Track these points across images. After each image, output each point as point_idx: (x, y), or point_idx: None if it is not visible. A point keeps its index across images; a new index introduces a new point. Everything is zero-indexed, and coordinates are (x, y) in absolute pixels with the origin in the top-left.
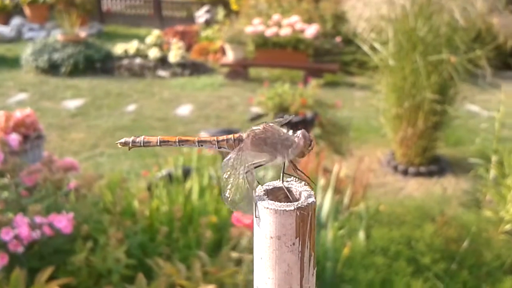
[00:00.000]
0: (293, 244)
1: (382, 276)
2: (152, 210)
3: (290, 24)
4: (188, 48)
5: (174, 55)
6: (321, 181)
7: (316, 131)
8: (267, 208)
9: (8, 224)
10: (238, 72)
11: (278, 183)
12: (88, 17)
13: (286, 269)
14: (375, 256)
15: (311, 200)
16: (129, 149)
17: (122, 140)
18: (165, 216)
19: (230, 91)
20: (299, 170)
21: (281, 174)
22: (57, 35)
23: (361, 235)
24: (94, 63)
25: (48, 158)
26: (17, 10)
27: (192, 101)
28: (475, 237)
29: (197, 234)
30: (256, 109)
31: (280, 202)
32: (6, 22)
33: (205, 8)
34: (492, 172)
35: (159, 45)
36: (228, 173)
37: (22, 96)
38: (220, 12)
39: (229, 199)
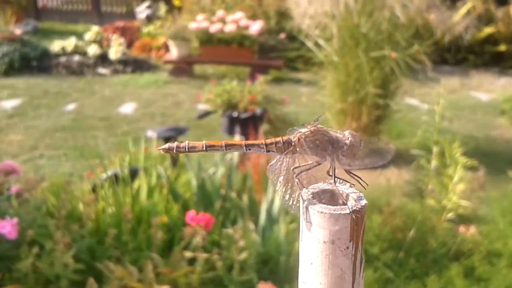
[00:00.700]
0: (347, 248)
1: None
2: (98, 213)
3: (235, 21)
4: (129, 44)
5: (114, 52)
6: None
7: (265, 127)
8: (321, 212)
9: None
10: (183, 69)
11: (322, 185)
12: (23, 13)
13: (339, 274)
14: None
15: (364, 202)
16: (171, 155)
17: (166, 146)
18: (113, 218)
19: (175, 88)
20: (351, 172)
21: (333, 177)
22: None
23: None
24: (31, 62)
25: None
26: None
27: (135, 99)
28: (420, 225)
29: (147, 235)
30: (203, 106)
31: (324, 203)
32: None
33: (146, 3)
34: (434, 163)
35: (99, 41)
36: (281, 177)
37: None
38: (162, 8)
39: (291, 204)
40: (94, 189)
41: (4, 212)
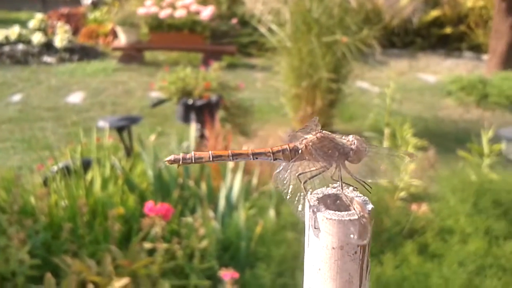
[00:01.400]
0: (355, 252)
1: (293, 250)
2: (51, 206)
3: (185, 6)
4: (75, 31)
5: (60, 40)
6: (230, 164)
7: (221, 114)
8: (330, 218)
9: None
10: (132, 56)
11: (326, 190)
12: None
13: (347, 278)
14: (286, 232)
15: (370, 206)
16: (177, 167)
17: (171, 158)
18: (67, 211)
19: (125, 76)
20: (354, 176)
21: (340, 182)
22: None
23: (271, 213)
24: None
25: None
26: None
27: (83, 88)
28: (375, 205)
29: (104, 228)
30: (157, 94)
31: (329, 209)
32: None
33: None
34: (385, 144)
35: (43, 29)
36: (291, 186)
37: None
38: None
39: (303, 212)
40: (45, 182)
41: None
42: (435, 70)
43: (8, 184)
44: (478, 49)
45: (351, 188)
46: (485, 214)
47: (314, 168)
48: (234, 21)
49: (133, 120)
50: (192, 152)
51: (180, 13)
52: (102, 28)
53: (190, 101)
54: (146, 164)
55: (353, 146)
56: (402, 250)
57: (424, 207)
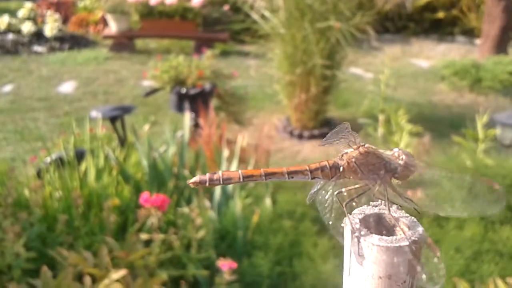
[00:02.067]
0: (404, 282)
1: (290, 238)
2: (45, 198)
3: None
4: (65, 20)
5: (50, 29)
6: (225, 153)
7: (215, 102)
8: (377, 245)
9: None
10: (124, 44)
11: (367, 209)
12: None
13: None
14: (283, 220)
15: (421, 229)
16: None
17: (196, 179)
18: (62, 203)
19: (116, 65)
20: (402, 194)
21: (386, 202)
22: None
23: (268, 201)
24: None
25: None
26: None
27: (75, 77)
28: None
29: (99, 219)
30: (149, 83)
31: (372, 230)
32: None
33: None
34: (380, 130)
35: (33, 18)
36: (332, 208)
37: None
38: None
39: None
40: (39, 174)
41: None
42: (428, 55)
43: (1, 176)
44: (471, 33)
45: (394, 206)
46: None
47: (356, 186)
48: (226, 7)
49: (126, 109)
50: (220, 172)
51: (171, 0)
52: (92, 16)
53: (184, 90)
54: (140, 154)
55: (401, 162)
56: None
57: (419, 193)
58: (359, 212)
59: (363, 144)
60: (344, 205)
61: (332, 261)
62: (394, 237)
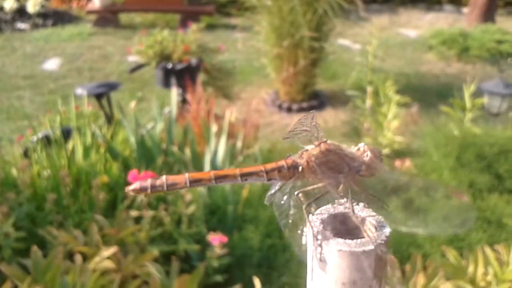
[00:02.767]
0: (370, 287)
1: None
2: (33, 178)
3: None
4: None
5: (32, 5)
6: (214, 128)
7: (202, 77)
8: (340, 250)
9: None
10: (108, 18)
11: (331, 209)
12: None
13: None
14: None
15: (388, 231)
16: (145, 196)
17: (136, 186)
18: (50, 182)
19: (101, 40)
20: (368, 192)
21: (349, 202)
22: None
23: None
24: None
25: None
26: None
27: (59, 54)
28: None
29: (88, 197)
30: (134, 58)
31: (336, 232)
32: None
33: None
34: (368, 102)
35: None
36: (289, 213)
37: None
38: None
39: (305, 250)
40: (26, 153)
41: None
42: (416, 24)
43: None
44: (458, 1)
45: (361, 204)
46: (468, 168)
47: (317, 186)
48: None
49: (112, 86)
50: (164, 177)
51: None
52: None
53: (170, 65)
54: (128, 131)
55: (366, 158)
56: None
57: (407, 163)
58: (322, 212)
59: (325, 140)
60: (304, 207)
61: None
62: (358, 240)
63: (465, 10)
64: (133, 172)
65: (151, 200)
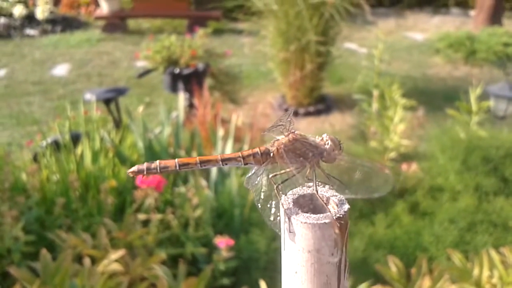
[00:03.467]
0: (332, 254)
1: None
2: (43, 182)
3: None
4: (56, 2)
5: (41, 11)
6: (220, 132)
7: (209, 82)
8: (305, 222)
9: None
10: (116, 24)
11: (301, 191)
12: None
13: (324, 280)
14: None
15: (346, 207)
16: (142, 177)
17: (134, 169)
18: (59, 186)
19: (109, 46)
20: (330, 175)
21: (314, 183)
22: None
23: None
24: None
25: None
26: None
27: (68, 59)
28: None
29: (97, 201)
30: (142, 64)
31: (305, 209)
32: None
33: None
34: (375, 106)
35: (24, 1)
36: (261, 191)
37: None
38: None
39: (274, 222)
40: (35, 158)
41: None
42: (423, 28)
43: None
44: (465, 4)
45: (327, 186)
46: (474, 171)
47: (287, 170)
48: None
49: (120, 91)
50: (157, 162)
51: None
52: None
53: (177, 70)
54: (136, 136)
55: (327, 146)
56: (393, 209)
57: (414, 167)
58: (293, 193)
59: (293, 131)
60: (275, 187)
61: None
62: (321, 215)
63: (472, 13)
64: (140, 176)
65: (158, 204)
